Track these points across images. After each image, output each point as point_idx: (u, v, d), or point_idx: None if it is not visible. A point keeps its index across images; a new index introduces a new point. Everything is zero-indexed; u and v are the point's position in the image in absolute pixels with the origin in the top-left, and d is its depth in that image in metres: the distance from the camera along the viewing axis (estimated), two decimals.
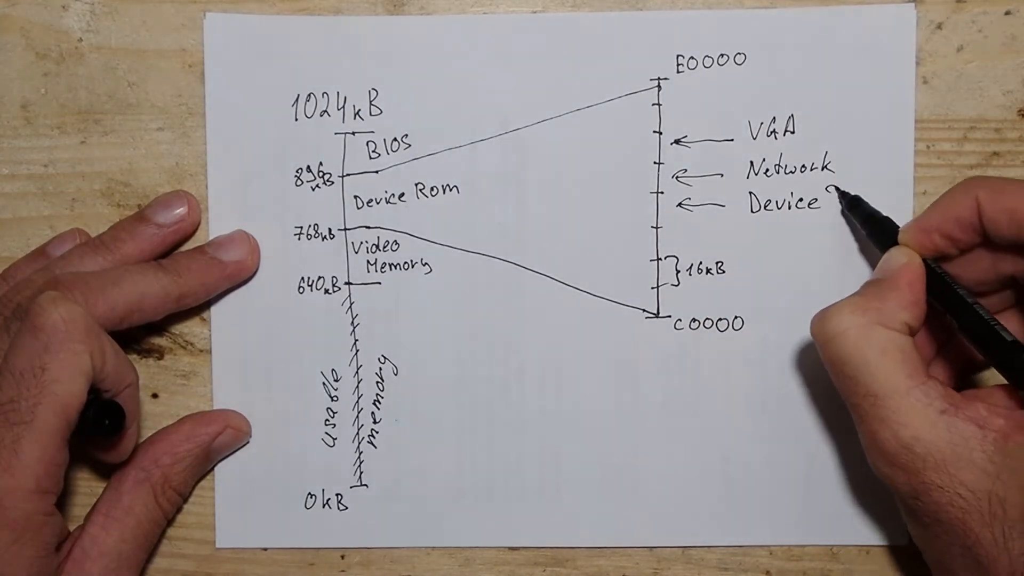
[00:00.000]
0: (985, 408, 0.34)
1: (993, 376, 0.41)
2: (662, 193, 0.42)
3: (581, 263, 0.42)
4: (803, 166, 0.41)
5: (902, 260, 0.37)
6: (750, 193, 0.41)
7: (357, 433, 0.42)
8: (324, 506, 0.42)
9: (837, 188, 0.41)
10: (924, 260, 0.37)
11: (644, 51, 0.41)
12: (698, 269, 0.42)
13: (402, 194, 0.42)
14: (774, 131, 0.41)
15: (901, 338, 0.35)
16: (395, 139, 0.42)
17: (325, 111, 0.42)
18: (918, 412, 0.34)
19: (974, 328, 0.35)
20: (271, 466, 0.42)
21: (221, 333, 0.42)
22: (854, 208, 0.40)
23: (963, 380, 0.40)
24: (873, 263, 0.41)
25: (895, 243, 0.38)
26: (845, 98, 0.41)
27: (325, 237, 0.42)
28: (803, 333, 0.41)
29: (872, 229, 0.39)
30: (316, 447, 0.42)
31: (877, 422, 0.35)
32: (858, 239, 0.41)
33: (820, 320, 0.36)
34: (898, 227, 0.38)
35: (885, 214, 0.39)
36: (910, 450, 0.34)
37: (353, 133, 0.42)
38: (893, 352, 0.35)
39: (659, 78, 0.41)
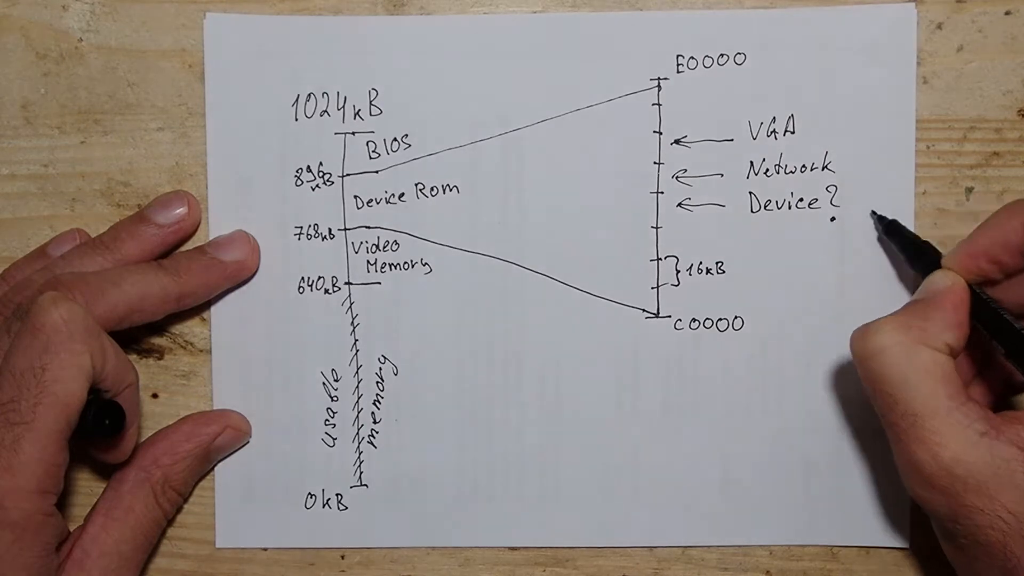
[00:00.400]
0: None
1: None
2: (662, 193, 0.42)
3: (581, 263, 0.42)
4: (803, 166, 0.41)
5: (947, 282, 0.36)
6: (750, 193, 0.41)
7: (357, 433, 0.42)
8: (324, 506, 0.42)
9: (874, 213, 0.41)
10: (968, 284, 0.37)
11: (644, 51, 0.41)
12: (698, 269, 0.42)
13: (402, 194, 0.42)
14: (774, 131, 0.41)
15: (943, 358, 0.35)
16: (395, 139, 0.42)
17: (325, 111, 0.42)
18: (958, 433, 0.33)
19: (1021, 353, 0.35)
20: (271, 466, 0.42)
21: (221, 333, 0.42)
22: (892, 233, 0.40)
23: (1001, 403, 0.40)
24: (873, 263, 0.41)
25: (937, 267, 0.37)
26: (845, 98, 0.41)
27: (325, 237, 0.42)
28: (803, 333, 0.41)
29: (912, 254, 0.39)
30: (316, 447, 0.42)
31: (916, 443, 0.34)
32: (857, 241, 0.41)
33: (861, 336, 0.36)
34: (938, 251, 0.38)
35: (920, 235, 0.40)
36: (950, 472, 0.33)
37: (353, 133, 0.42)
38: (935, 372, 0.34)
39: (659, 78, 0.41)
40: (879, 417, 0.36)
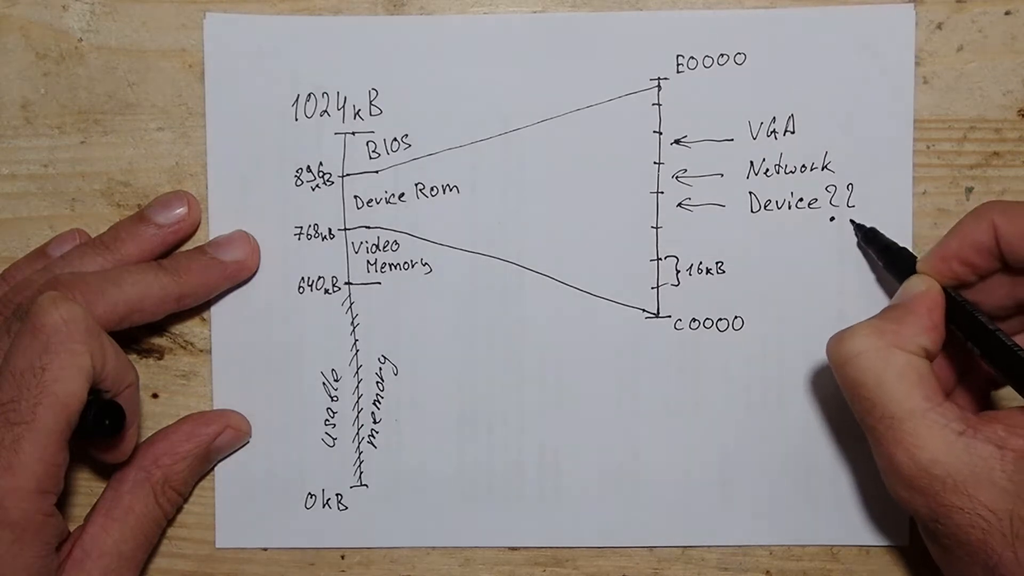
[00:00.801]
0: (1004, 429, 0.34)
1: (1011, 398, 0.41)
2: (662, 193, 0.42)
3: (581, 263, 0.42)
4: (803, 166, 0.41)
5: (921, 287, 0.37)
6: (750, 193, 0.41)
7: (357, 433, 0.42)
8: (324, 506, 0.42)
9: (853, 221, 0.41)
10: (944, 288, 0.37)
11: (644, 51, 0.41)
12: (698, 269, 0.42)
13: (402, 194, 0.42)
14: (774, 131, 0.41)
15: (918, 361, 0.35)
16: (395, 139, 0.42)
17: (325, 111, 0.42)
18: (935, 434, 0.34)
19: (997, 354, 0.35)
20: (271, 466, 0.42)
21: (221, 333, 0.42)
22: (870, 240, 0.40)
23: (985, 405, 0.40)
24: (872, 263, 0.41)
25: (913, 272, 0.38)
26: (845, 98, 0.41)
27: (325, 237, 0.42)
28: (803, 333, 0.41)
29: (889, 260, 0.39)
30: (316, 447, 0.42)
31: (894, 445, 0.34)
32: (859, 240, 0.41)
33: (836, 342, 0.36)
34: (915, 257, 0.38)
35: (897, 241, 0.40)
36: (928, 472, 0.34)
37: (353, 133, 0.42)
38: (910, 374, 0.35)
39: (659, 78, 0.41)
40: (858, 421, 0.36)
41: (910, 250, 0.40)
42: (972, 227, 0.36)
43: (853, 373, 0.35)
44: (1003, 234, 0.35)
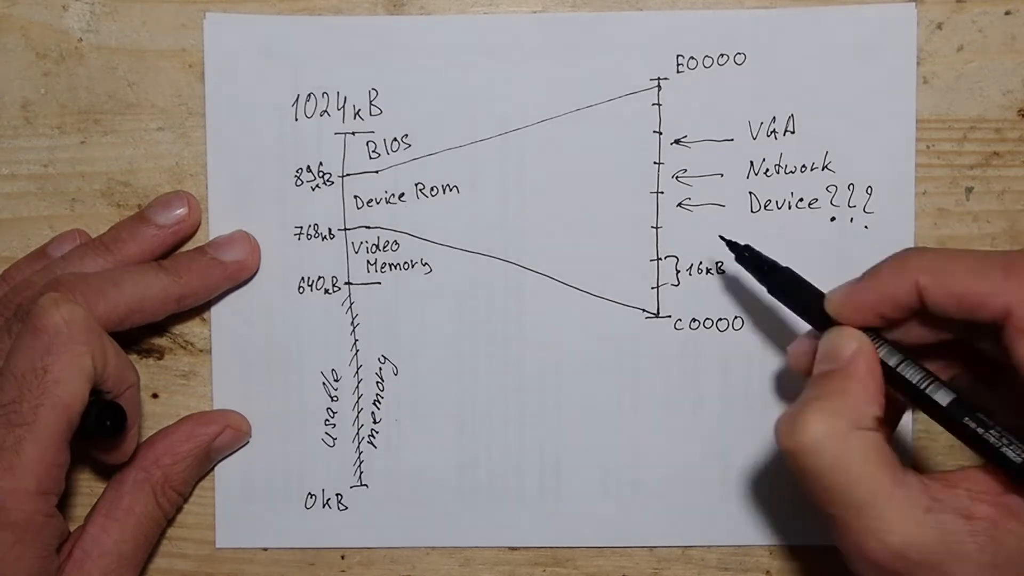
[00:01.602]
0: (967, 495, 0.32)
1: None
2: (662, 193, 0.42)
3: (581, 263, 0.42)
4: (803, 166, 0.41)
5: (852, 346, 0.34)
6: (750, 193, 0.41)
7: (357, 433, 0.42)
8: (324, 506, 0.42)
9: (722, 237, 0.39)
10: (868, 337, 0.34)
11: (644, 51, 0.41)
12: (698, 269, 0.42)
13: (402, 194, 0.42)
14: (774, 131, 0.41)
15: (875, 436, 0.33)
16: (395, 139, 0.42)
17: (325, 111, 0.42)
18: (905, 515, 0.31)
19: (947, 420, 0.33)
20: (271, 466, 0.42)
21: (221, 333, 0.42)
22: (748, 262, 0.38)
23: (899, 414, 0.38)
24: (872, 263, 0.41)
25: (820, 311, 0.35)
26: (845, 98, 0.41)
27: (325, 237, 0.42)
28: (802, 333, 0.41)
29: (785, 291, 0.37)
30: (316, 447, 0.42)
31: (863, 533, 0.32)
32: (857, 241, 0.41)
33: (790, 430, 0.33)
34: (820, 293, 0.36)
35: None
36: (903, 557, 0.31)
37: (353, 133, 0.42)
38: (872, 456, 0.32)
39: (659, 78, 0.41)
40: (819, 509, 0.33)
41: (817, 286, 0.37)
42: (893, 283, 0.34)
43: (813, 462, 0.32)
44: (930, 294, 0.33)
